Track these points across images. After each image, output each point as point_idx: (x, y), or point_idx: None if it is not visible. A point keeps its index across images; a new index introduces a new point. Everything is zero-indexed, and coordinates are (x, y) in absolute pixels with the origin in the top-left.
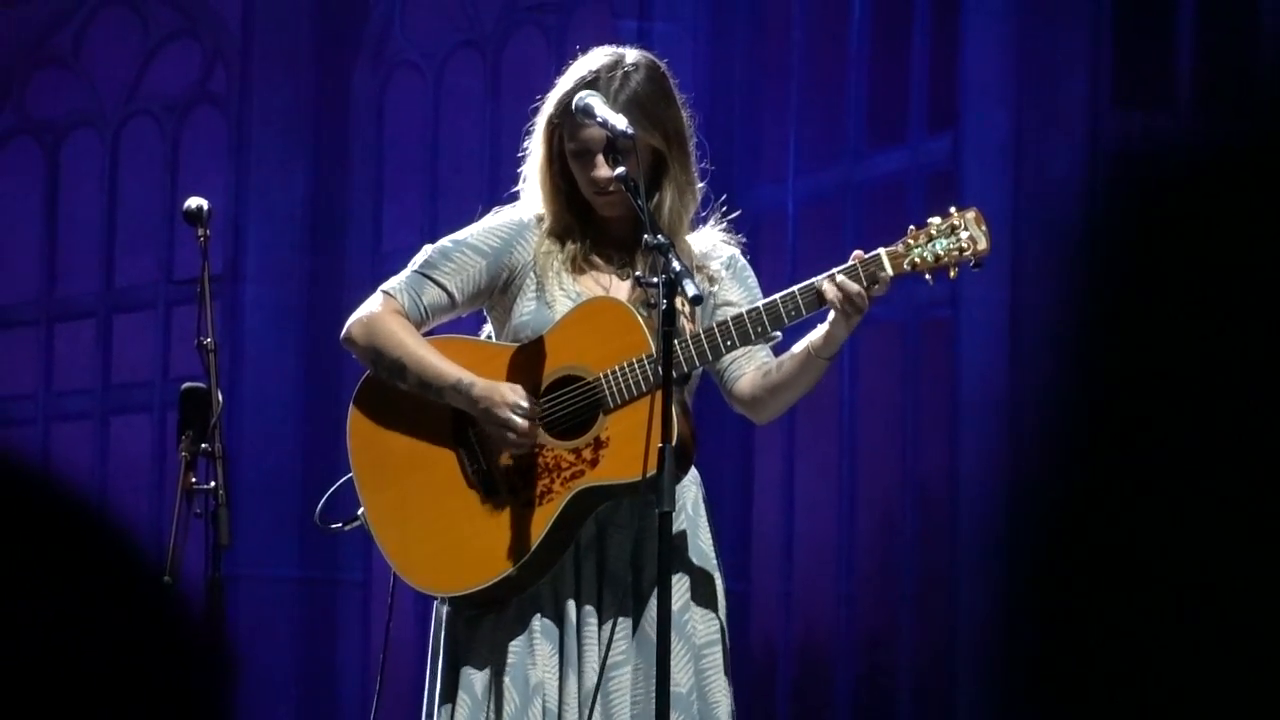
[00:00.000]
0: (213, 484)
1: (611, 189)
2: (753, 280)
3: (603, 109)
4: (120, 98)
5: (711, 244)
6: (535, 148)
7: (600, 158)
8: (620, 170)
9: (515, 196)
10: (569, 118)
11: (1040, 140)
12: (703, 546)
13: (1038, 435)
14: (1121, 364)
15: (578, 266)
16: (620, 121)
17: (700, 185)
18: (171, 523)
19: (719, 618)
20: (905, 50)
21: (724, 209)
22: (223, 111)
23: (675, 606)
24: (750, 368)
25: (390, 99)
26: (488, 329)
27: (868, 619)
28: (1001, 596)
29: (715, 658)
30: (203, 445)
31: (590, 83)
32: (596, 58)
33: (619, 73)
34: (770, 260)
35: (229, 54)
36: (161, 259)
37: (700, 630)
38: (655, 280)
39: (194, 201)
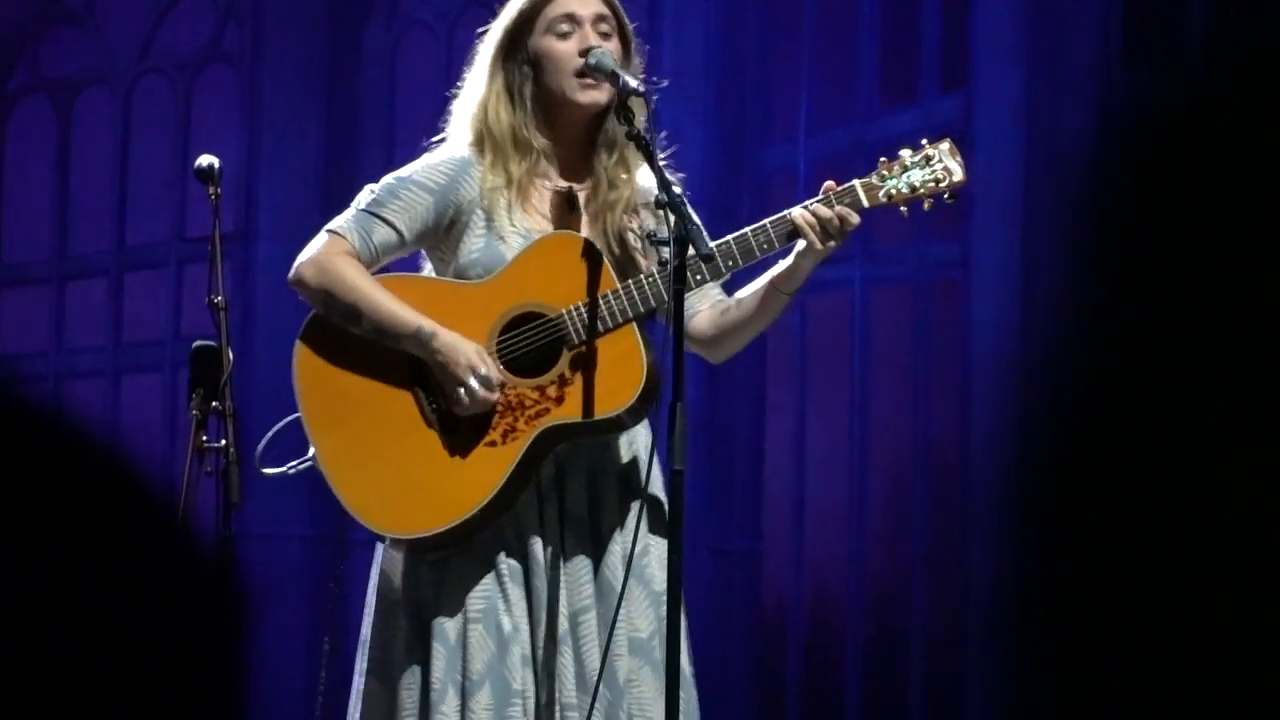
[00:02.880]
0: (223, 442)
1: (590, 73)
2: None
3: (615, 66)
4: (133, 56)
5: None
6: (478, 77)
7: (590, 29)
8: (603, 47)
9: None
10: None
11: (1052, 99)
12: (654, 490)
13: (1049, 396)
14: (1134, 324)
15: (524, 196)
16: (632, 80)
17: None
18: (183, 480)
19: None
20: (916, 9)
21: (667, 146)
22: (235, 70)
23: (635, 550)
24: (704, 306)
25: (402, 58)
26: (428, 268)
27: (879, 579)
28: (1012, 556)
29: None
30: (213, 403)
31: None
32: None
33: None
34: None
35: (242, 12)
36: (173, 217)
37: (658, 576)
38: (666, 238)
39: (206, 159)
